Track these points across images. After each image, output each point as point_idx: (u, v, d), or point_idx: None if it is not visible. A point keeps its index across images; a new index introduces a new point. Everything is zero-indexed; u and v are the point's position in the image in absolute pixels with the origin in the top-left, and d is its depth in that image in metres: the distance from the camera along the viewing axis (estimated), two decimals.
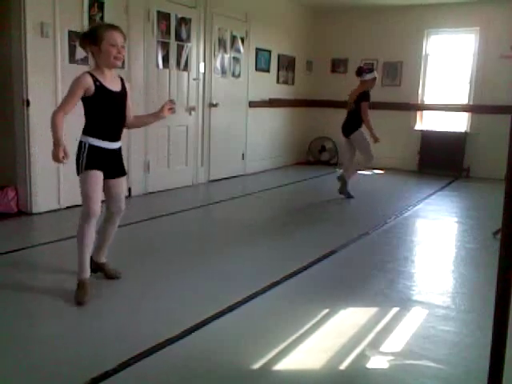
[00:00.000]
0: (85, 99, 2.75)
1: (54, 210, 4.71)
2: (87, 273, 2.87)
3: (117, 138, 2.89)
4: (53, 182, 4.71)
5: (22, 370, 2.09)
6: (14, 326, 2.46)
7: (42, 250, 3.71)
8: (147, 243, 3.97)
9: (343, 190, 5.82)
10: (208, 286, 3.07)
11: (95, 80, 2.71)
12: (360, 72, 5.72)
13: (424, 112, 8.34)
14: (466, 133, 7.83)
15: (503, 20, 7.37)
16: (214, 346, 2.33)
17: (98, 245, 3.07)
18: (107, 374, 2.03)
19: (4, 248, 3.60)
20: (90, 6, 4.78)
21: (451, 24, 7.80)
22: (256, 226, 4.61)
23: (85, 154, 2.84)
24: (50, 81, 4.56)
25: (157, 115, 3.05)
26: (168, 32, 5.75)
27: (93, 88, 2.71)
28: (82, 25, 4.72)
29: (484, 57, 7.59)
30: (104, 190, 2.92)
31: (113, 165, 2.90)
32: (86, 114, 2.84)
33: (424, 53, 8.12)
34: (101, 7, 4.88)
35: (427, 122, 8.30)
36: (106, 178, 2.87)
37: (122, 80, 2.90)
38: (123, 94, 2.87)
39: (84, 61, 4.78)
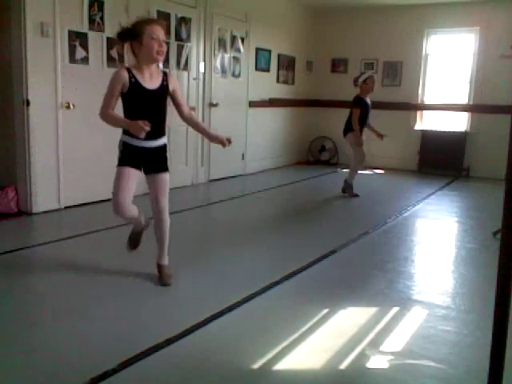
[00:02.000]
0: (121, 95, 2.76)
1: (54, 210, 4.71)
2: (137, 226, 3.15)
3: (154, 137, 2.81)
4: (53, 182, 4.71)
5: (22, 369, 2.09)
6: (13, 326, 2.46)
7: (42, 250, 3.70)
8: (146, 243, 3.96)
9: (347, 190, 5.99)
10: (208, 285, 3.07)
11: (131, 76, 2.70)
12: (355, 83, 5.88)
13: (424, 112, 8.34)
14: (466, 133, 7.83)
15: (503, 20, 7.37)
16: (214, 346, 2.33)
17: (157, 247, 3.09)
18: (107, 374, 2.03)
19: (4, 248, 3.60)
20: (90, 6, 4.78)
21: (451, 24, 7.80)
22: (256, 226, 4.61)
23: (120, 151, 2.86)
24: (50, 81, 4.56)
25: (211, 138, 3.08)
26: (168, 32, 5.75)
27: (127, 84, 2.70)
28: (82, 25, 4.73)
29: (484, 57, 7.59)
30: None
31: (150, 162, 2.88)
32: (123, 111, 2.83)
33: (424, 53, 8.12)
34: (101, 7, 4.88)
35: (427, 121, 8.30)
36: (146, 173, 2.92)
37: (164, 76, 2.83)
38: (161, 91, 2.80)
39: (84, 61, 4.79)
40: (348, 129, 5.82)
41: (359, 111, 5.70)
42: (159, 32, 2.69)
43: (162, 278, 3.03)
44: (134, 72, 2.72)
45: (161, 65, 5.71)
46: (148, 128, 2.59)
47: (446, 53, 8.03)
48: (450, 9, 7.67)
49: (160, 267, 3.07)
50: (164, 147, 2.93)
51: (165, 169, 2.94)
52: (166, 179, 2.95)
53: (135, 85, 2.71)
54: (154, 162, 2.90)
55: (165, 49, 2.73)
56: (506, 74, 7.29)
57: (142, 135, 2.64)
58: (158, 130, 2.83)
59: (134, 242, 3.27)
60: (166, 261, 3.09)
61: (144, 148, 2.82)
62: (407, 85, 8.22)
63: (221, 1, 6.47)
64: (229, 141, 3.02)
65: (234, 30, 6.81)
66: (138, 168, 2.87)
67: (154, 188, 2.94)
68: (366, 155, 5.93)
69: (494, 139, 7.38)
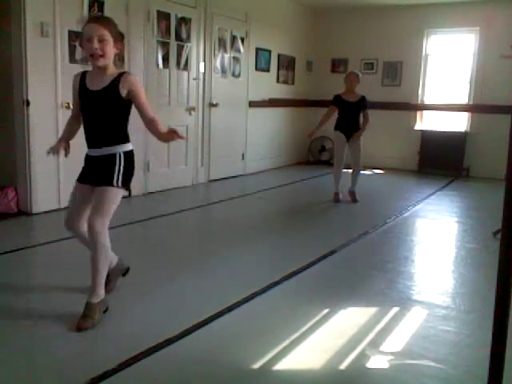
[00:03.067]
0: None
1: (54, 210, 4.71)
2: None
3: (96, 144, 2.53)
4: (53, 182, 4.71)
5: (22, 370, 2.09)
6: (13, 326, 2.46)
7: (42, 250, 3.71)
8: (147, 243, 3.97)
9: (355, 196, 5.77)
10: (208, 285, 3.07)
11: (82, 79, 2.53)
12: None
13: (424, 112, 8.34)
14: (465, 133, 7.83)
15: (503, 20, 7.37)
16: (214, 346, 2.33)
17: None
18: (107, 374, 2.03)
19: (4, 248, 3.60)
20: (90, 6, 4.78)
21: (451, 24, 7.80)
22: (256, 226, 4.61)
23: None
24: (49, 81, 4.56)
25: (162, 136, 2.45)
26: (168, 32, 5.75)
27: (77, 87, 2.55)
28: None
29: (484, 57, 7.59)
30: None
31: (93, 173, 2.58)
32: None
33: (424, 53, 8.12)
34: (101, 7, 4.88)
35: (427, 121, 8.30)
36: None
37: (119, 77, 2.44)
38: (105, 92, 2.45)
39: (84, 61, 4.78)
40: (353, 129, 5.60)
41: (333, 108, 5.69)
42: (93, 30, 2.35)
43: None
44: (88, 75, 2.53)
45: (161, 65, 5.74)
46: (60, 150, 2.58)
47: (446, 53, 8.03)
48: (450, 9, 7.67)
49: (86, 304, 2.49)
50: (107, 158, 2.52)
51: (105, 182, 2.49)
52: (101, 198, 2.47)
53: (82, 88, 2.52)
54: (95, 173, 2.55)
55: (98, 48, 2.35)
56: (506, 73, 7.29)
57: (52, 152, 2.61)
58: (100, 137, 2.52)
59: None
60: (92, 298, 2.48)
61: (89, 157, 2.60)
62: (407, 85, 8.22)
63: (221, 1, 6.47)
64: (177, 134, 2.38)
65: (234, 30, 6.81)
66: (88, 180, 2.59)
67: (92, 206, 2.52)
68: (340, 157, 5.64)
69: (494, 139, 7.38)
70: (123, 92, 2.44)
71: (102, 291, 2.51)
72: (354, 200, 5.68)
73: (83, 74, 2.55)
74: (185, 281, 3.12)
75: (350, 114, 5.60)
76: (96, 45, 2.35)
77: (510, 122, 1.40)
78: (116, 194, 2.51)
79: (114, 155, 2.52)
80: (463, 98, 7.96)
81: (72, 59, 4.69)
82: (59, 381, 2.02)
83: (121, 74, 2.46)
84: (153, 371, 2.10)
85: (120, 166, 2.52)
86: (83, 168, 2.66)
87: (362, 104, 5.59)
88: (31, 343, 2.29)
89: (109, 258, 2.54)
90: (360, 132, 5.58)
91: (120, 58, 5.15)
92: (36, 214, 4.59)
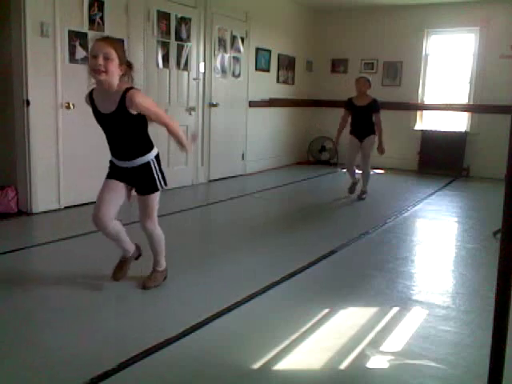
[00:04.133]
0: None
1: (54, 210, 4.71)
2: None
3: (123, 158, 2.74)
4: (53, 182, 4.71)
5: (22, 370, 2.09)
6: (13, 326, 2.46)
7: (42, 250, 3.71)
8: (146, 243, 3.96)
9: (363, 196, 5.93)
10: (208, 285, 3.07)
11: (91, 99, 2.65)
12: None
13: (424, 112, 8.34)
14: (466, 132, 7.82)
15: (503, 20, 7.38)
16: (214, 346, 2.33)
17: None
18: (107, 374, 2.03)
19: (4, 248, 3.60)
20: (90, 6, 4.78)
21: (451, 24, 7.80)
22: (256, 226, 4.61)
23: (108, 167, 2.90)
24: (49, 81, 4.56)
25: (180, 144, 2.86)
26: (168, 32, 5.75)
27: (91, 107, 2.67)
28: (82, 25, 4.73)
29: (484, 57, 7.59)
30: None
31: (133, 182, 2.83)
32: None
33: (424, 53, 8.12)
34: (101, 7, 4.88)
35: (427, 121, 8.30)
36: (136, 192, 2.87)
37: (123, 95, 2.52)
38: (117, 116, 2.57)
39: (84, 61, 4.78)
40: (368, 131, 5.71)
41: (346, 112, 5.80)
42: (99, 48, 2.46)
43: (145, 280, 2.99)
44: (95, 95, 2.63)
45: (161, 65, 5.74)
46: None
47: (446, 53, 8.03)
48: (450, 9, 7.67)
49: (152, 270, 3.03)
50: (142, 168, 2.75)
51: (145, 191, 2.81)
52: (147, 203, 2.84)
53: (94, 109, 2.65)
54: (135, 183, 2.82)
55: (102, 64, 2.44)
56: (506, 74, 7.29)
57: None
58: (128, 152, 2.72)
59: (116, 270, 3.05)
60: (158, 266, 3.02)
61: (122, 167, 2.77)
62: (407, 85, 8.22)
63: (221, 1, 6.47)
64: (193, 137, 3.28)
65: (233, 30, 6.81)
66: (123, 181, 2.81)
67: (139, 208, 2.89)
68: (348, 160, 5.90)
69: (493, 139, 7.39)
70: (133, 112, 2.57)
71: (163, 262, 3.01)
72: (359, 197, 5.87)
73: (90, 95, 2.65)
74: (185, 281, 3.12)
75: (361, 118, 5.68)
76: (101, 61, 2.44)
77: (510, 121, 1.40)
78: (158, 195, 2.85)
79: (147, 164, 2.75)
80: (463, 98, 7.96)
81: (72, 59, 4.69)
82: (59, 381, 2.02)
83: (125, 93, 2.52)
84: (153, 371, 2.10)
85: (157, 171, 2.78)
86: (112, 169, 2.84)
87: (372, 107, 5.60)
88: (30, 344, 2.29)
89: (163, 241, 2.97)
90: (375, 138, 5.67)
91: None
92: (36, 213, 4.59)
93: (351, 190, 5.97)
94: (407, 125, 8.28)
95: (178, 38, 5.91)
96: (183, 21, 5.94)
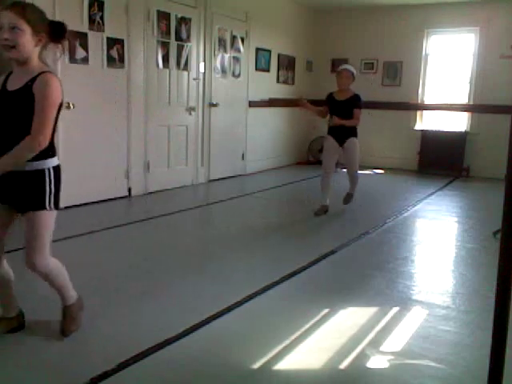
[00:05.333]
0: None
1: None
2: None
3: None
4: None
5: (22, 370, 2.09)
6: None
7: None
8: (146, 243, 3.97)
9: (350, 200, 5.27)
10: (208, 285, 3.07)
11: (6, 79, 2.12)
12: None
13: (424, 112, 8.34)
14: (466, 132, 7.83)
15: (503, 20, 7.38)
16: (214, 346, 2.33)
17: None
18: (107, 374, 2.03)
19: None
20: (90, 6, 4.78)
21: (451, 24, 7.80)
22: (255, 226, 4.61)
23: None
24: None
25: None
26: (168, 32, 5.75)
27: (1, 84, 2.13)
28: (82, 25, 4.73)
29: (484, 57, 7.59)
30: None
31: (12, 193, 2.12)
32: None
33: (424, 53, 8.12)
34: (101, 7, 4.88)
35: (427, 121, 8.30)
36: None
37: (36, 76, 2.01)
38: (19, 94, 2.02)
39: (84, 61, 4.79)
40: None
41: (325, 107, 5.06)
42: (3, 18, 1.97)
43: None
44: (13, 72, 2.12)
45: (161, 65, 5.73)
46: None
47: (446, 53, 8.03)
48: (450, 9, 7.67)
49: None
50: (32, 175, 2.06)
51: (36, 205, 2.09)
52: (38, 222, 2.10)
53: (3, 88, 2.09)
54: (17, 194, 2.11)
55: (9, 38, 1.96)
56: (506, 73, 7.29)
57: None
58: (11, 146, 2.00)
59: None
60: (67, 300, 2.39)
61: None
62: (407, 85, 8.22)
63: (221, 1, 6.47)
64: None
65: (233, 30, 6.81)
66: (3, 201, 2.15)
67: (25, 239, 2.16)
68: (325, 167, 5.03)
69: (493, 139, 7.39)
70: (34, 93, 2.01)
71: (72, 292, 2.41)
72: (345, 200, 5.20)
73: (10, 73, 2.13)
74: (185, 280, 3.12)
75: (340, 115, 4.81)
76: (6, 34, 1.96)
77: (510, 121, 1.40)
78: (50, 218, 2.14)
79: (41, 172, 2.07)
80: (463, 98, 7.96)
81: (72, 59, 4.69)
82: (59, 381, 2.02)
83: (41, 73, 2.02)
84: (153, 371, 2.10)
85: (51, 185, 2.10)
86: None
87: (353, 102, 4.82)
88: (30, 344, 2.29)
89: (62, 271, 2.32)
90: (342, 121, 4.76)
91: (120, 59, 5.14)
92: None
93: (319, 212, 4.99)
94: (407, 125, 8.28)
95: (178, 37, 5.91)
96: (183, 21, 5.94)
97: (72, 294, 2.41)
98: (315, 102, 8.80)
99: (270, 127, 7.95)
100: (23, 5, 2.05)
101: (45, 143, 2.01)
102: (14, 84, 2.05)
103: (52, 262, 2.23)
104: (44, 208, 2.10)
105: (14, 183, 2.08)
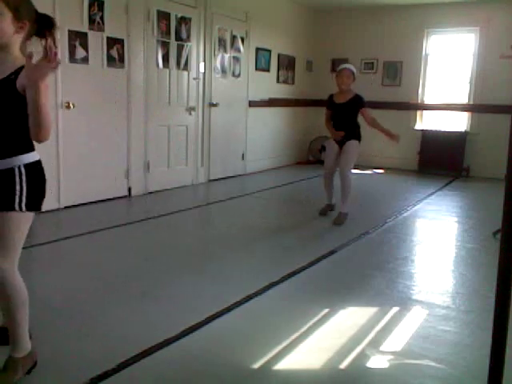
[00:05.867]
0: None
1: (54, 210, 4.71)
2: None
3: None
4: (53, 182, 4.70)
5: None
6: None
7: (42, 250, 3.70)
8: (147, 243, 3.97)
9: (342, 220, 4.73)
10: (208, 285, 3.07)
11: None
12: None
13: (424, 112, 8.35)
14: (466, 132, 7.83)
15: (503, 20, 7.38)
16: (214, 346, 2.33)
17: None
18: (107, 374, 2.03)
19: None
20: (90, 6, 4.78)
21: (451, 24, 7.80)
22: (255, 226, 4.61)
23: None
24: (49, 81, 4.54)
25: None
26: (168, 32, 5.75)
27: None
28: (82, 25, 4.73)
29: (484, 57, 7.59)
30: None
31: None
32: None
33: (424, 53, 8.12)
34: (101, 7, 4.88)
35: (427, 121, 8.30)
36: None
37: (21, 67, 1.83)
38: (1, 86, 1.82)
39: (84, 60, 4.79)
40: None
41: (327, 111, 4.92)
42: None
43: None
44: None
45: (161, 65, 5.73)
46: None
47: (446, 53, 8.03)
48: (450, 9, 7.67)
49: None
50: (7, 173, 1.87)
51: (3, 206, 1.86)
52: (4, 224, 1.87)
53: None
54: None
55: None
56: (506, 73, 7.29)
57: None
58: None
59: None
60: (16, 351, 1.97)
61: None
62: (407, 85, 8.22)
63: (221, 1, 6.47)
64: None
65: (233, 30, 6.81)
66: None
67: None
68: (326, 168, 4.91)
69: (493, 139, 7.39)
70: (19, 86, 1.82)
71: (26, 342, 1.99)
72: (337, 220, 4.66)
73: None
74: (185, 280, 3.12)
75: (340, 119, 4.75)
76: None
77: (510, 121, 1.40)
78: (20, 221, 1.91)
79: (11, 170, 1.88)
80: (463, 98, 7.96)
81: (72, 59, 4.68)
82: (59, 381, 2.02)
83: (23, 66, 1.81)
84: (153, 371, 2.10)
85: (22, 184, 1.89)
86: None
87: (355, 104, 4.70)
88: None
89: (25, 303, 1.94)
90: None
91: (120, 58, 5.14)
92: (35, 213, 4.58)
93: (323, 211, 4.95)
94: (407, 125, 8.28)
95: (178, 37, 5.91)
96: (183, 21, 5.94)
97: (26, 345, 1.99)
98: (316, 102, 8.85)
99: (269, 127, 7.95)
100: None
101: (48, 136, 1.88)
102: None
103: (17, 279, 1.91)
104: (12, 209, 1.86)
105: None
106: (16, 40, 1.88)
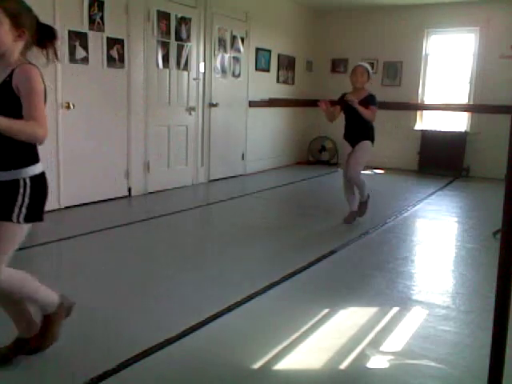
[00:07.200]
0: None
1: (54, 210, 4.70)
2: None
3: None
4: (53, 182, 4.70)
5: (22, 370, 2.09)
6: (13, 327, 2.45)
7: (42, 249, 3.70)
8: (147, 243, 3.97)
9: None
10: (208, 285, 3.07)
11: None
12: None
13: (424, 112, 8.35)
14: (466, 132, 7.83)
15: (503, 20, 7.38)
16: (214, 346, 2.33)
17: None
18: (107, 374, 2.03)
19: None
20: (90, 6, 4.78)
21: (451, 24, 7.80)
22: (255, 226, 4.61)
23: None
24: (50, 81, 4.55)
25: None
26: (168, 32, 5.75)
27: None
28: (82, 25, 4.73)
29: (484, 57, 7.59)
30: None
31: None
32: None
33: (424, 53, 8.12)
34: (101, 7, 4.88)
35: (427, 121, 8.30)
36: None
37: (14, 70, 1.83)
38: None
39: (84, 61, 4.79)
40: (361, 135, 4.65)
41: (336, 107, 4.74)
42: None
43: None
44: None
45: (161, 65, 5.73)
46: None
47: (446, 53, 8.03)
48: (450, 9, 7.67)
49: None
50: (11, 185, 1.85)
51: (1, 215, 1.84)
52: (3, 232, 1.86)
53: None
54: None
55: None
56: (506, 73, 7.29)
57: None
58: None
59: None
60: (46, 309, 2.12)
61: None
62: (407, 85, 8.22)
63: (221, 1, 6.47)
64: None
65: (233, 30, 6.81)
66: None
67: None
68: (345, 167, 4.71)
69: (493, 139, 7.39)
70: (14, 88, 1.82)
71: (51, 298, 2.12)
72: (359, 213, 4.76)
73: None
74: (185, 280, 3.12)
75: (353, 118, 4.60)
76: None
77: (510, 121, 1.40)
78: (15, 232, 1.90)
79: (16, 182, 1.86)
80: (463, 98, 7.96)
81: (72, 59, 4.68)
82: (59, 381, 2.02)
83: (15, 68, 1.83)
84: (153, 371, 2.10)
85: (25, 197, 1.87)
86: None
87: (367, 104, 4.49)
88: None
89: (26, 279, 2.06)
90: (356, 104, 4.42)
91: (120, 58, 5.14)
92: None
93: (348, 219, 4.69)
94: (407, 125, 8.28)
95: (178, 37, 5.91)
96: (183, 21, 5.94)
97: (52, 299, 2.11)
98: (316, 102, 8.83)
99: (269, 127, 7.95)
100: None
101: (46, 137, 1.85)
102: None
103: (7, 274, 1.94)
104: (9, 220, 1.84)
105: None
106: (15, 48, 1.85)
